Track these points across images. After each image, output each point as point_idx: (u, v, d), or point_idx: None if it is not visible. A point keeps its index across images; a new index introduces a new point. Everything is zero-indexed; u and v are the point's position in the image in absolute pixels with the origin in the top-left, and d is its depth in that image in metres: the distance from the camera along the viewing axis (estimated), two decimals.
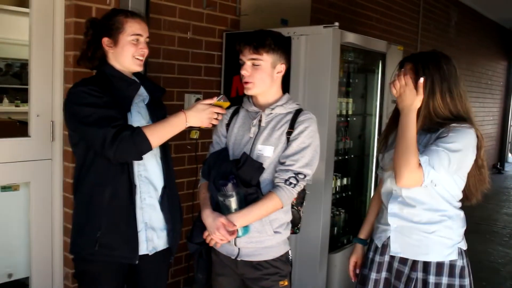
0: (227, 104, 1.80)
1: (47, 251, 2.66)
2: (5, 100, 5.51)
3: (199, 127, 1.80)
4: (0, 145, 2.46)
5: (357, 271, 1.98)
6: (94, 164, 1.76)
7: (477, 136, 1.68)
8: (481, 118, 9.13)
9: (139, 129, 1.68)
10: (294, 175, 1.73)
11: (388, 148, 1.88)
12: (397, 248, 1.78)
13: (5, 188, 2.58)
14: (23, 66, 5.58)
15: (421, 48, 6.10)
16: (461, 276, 1.72)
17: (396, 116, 1.82)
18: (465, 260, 1.75)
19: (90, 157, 1.76)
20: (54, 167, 2.63)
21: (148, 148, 1.70)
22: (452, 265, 1.72)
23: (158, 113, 1.87)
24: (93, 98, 1.70)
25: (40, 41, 2.52)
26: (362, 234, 2.02)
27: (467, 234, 1.80)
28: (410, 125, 1.64)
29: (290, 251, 1.90)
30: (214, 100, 1.77)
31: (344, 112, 3.25)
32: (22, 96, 5.47)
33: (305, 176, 1.75)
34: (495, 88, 9.90)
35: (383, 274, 1.83)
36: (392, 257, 1.81)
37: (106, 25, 1.81)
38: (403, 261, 1.78)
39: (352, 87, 3.36)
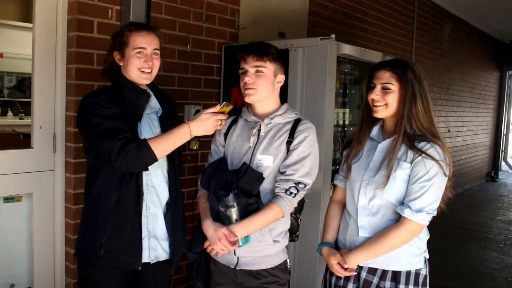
0: (230, 107, 1.81)
1: (49, 261, 2.67)
2: (9, 113, 5.56)
3: (198, 137, 1.83)
4: (3, 157, 2.49)
5: (345, 266, 1.76)
6: (102, 171, 1.80)
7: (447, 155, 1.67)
8: (475, 127, 9.22)
9: (144, 141, 1.72)
10: (294, 184, 1.73)
11: (355, 159, 1.84)
12: None
13: (8, 199, 2.59)
14: (27, 79, 5.61)
15: (415, 59, 6.19)
16: (423, 284, 1.73)
17: (364, 126, 1.84)
18: (427, 269, 1.75)
19: (99, 164, 1.81)
20: (56, 178, 2.65)
21: (154, 159, 1.73)
22: (417, 274, 1.72)
23: (171, 126, 1.88)
24: (102, 109, 1.74)
25: (43, 55, 2.56)
26: (330, 238, 1.89)
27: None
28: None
29: (288, 260, 1.90)
30: (218, 108, 1.79)
31: (341, 122, 3.29)
32: (26, 109, 5.52)
33: (305, 185, 1.75)
34: (488, 98, 9.98)
35: (351, 285, 1.80)
36: (360, 267, 1.76)
37: (116, 39, 1.86)
38: (372, 271, 1.74)
39: (349, 98, 3.40)
